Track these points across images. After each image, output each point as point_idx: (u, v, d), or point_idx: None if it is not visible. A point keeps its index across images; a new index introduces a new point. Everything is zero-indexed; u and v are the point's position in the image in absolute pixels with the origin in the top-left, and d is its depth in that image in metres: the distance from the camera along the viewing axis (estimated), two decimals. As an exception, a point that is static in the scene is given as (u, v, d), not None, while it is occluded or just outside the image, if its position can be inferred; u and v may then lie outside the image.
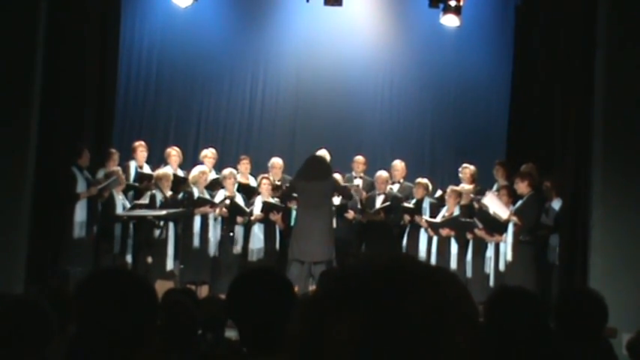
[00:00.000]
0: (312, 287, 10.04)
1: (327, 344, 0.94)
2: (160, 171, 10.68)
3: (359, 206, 10.96)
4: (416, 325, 0.93)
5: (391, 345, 0.93)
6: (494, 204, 9.92)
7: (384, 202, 10.86)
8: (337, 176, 10.85)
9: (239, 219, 10.49)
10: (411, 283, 0.97)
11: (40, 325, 2.85)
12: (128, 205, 10.27)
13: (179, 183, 10.60)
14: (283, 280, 2.77)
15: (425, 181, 11.01)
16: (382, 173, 11.24)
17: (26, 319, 2.85)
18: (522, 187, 9.80)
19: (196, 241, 10.27)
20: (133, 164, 11.01)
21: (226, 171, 10.74)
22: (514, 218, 9.67)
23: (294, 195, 10.39)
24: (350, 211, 10.69)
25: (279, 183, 11.16)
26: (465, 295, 0.99)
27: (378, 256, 1.02)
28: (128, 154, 11.23)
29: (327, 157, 11.03)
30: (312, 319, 0.97)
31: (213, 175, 11.02)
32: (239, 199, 10.62)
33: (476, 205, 10.31)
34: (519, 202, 9.81)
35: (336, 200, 10.61)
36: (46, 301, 3.04)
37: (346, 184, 10.90)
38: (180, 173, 10.92)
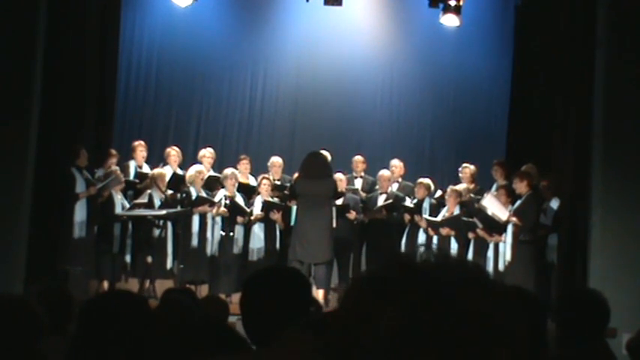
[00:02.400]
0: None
1: (379, 324, 0.95)
2: (156, 170, 10.67)
3: (360, 205, 10.95)
4: (474, 320, 0.94)
5: (444, 335, 0.93)
6: (494, 206, 9.92)
7: (386, 201, 10.85)
8: (340, 176, 10.84)
9: (239, 219, 10.48)
10: (474, 282, 0.98)
11: (28, 323, 2.85)
12: (127, 205, 10.27)
13: (179, 182, 10.59)
14: (303, 279, 2.76)
15: (427, 181, 11.00)
16: (385, 172, 11.22)
17: (13, 317, 2.84)
18: (521, 186, 9.80)
19: (195, 241, 10.26)
20: (132, 164, 11.01)
21: (228, 171, 10.72)
22: (514, 219, 9.67)
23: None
24: (352, 211, 10.68)
25: (278, 183, 11.14)
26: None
27: (450, 258, 1.04)
28: (128, 154, 11.23)
29: (329, 157, 10.99)
30: (368, 298, 0.98)
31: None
32: (239, 199, 10.61)
33: (476, 205, 10.31)
34: (518, 202, 9.81)
35: (338, 200, 10.60)
36: (35, 299, 3.05)
37: (341, 190, 10.80)
38: (180, 173, 10.91)
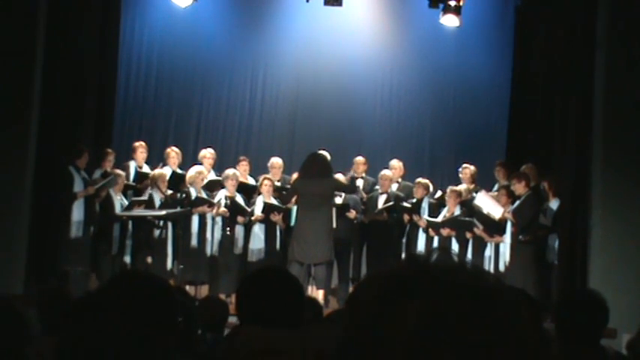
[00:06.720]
0: (311, 287, 10.05)
1: (392, 323, 0.95)
2: (157, 171, 10.67)
3: (362, 206, 10.94)
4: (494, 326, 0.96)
5: (457, 337, 0.94)
6: (486, 203, 9.95)
7: (386, 202, 10.84)
8: (339, 176, 10.84)
9: (240, 219, 10.48)
10: (493, 285, 1.00)
11: (14, 326, 2.82)
12: (126, 204, 10.26)
13: (179, 181, 10.59)
14: (293, 279, 2.78)
15: (425, 181, 11.01)
16: (386, 172, 11.21)
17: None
18: (520, 187, 9.82)
19: (194, 241, 10.26)
20: (132, 165, 11.00)
21: (229, 171, 10.71)
22: (508, 215, 9.70)
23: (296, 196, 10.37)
24: (352, 210, 10.67)
25: (279, 184, 11.13)
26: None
27: (466, 262, 1.05)
28: (128, 155, 11.22)
29: (328, 157, 11.00)
30: (382, 295, 0.98)
31: (212, 176, 11.00)
32: (239, 199, 10.60)
33: (473, 204, 10.31)
34: (517, 203, 9.82)
35: (338, 200, 10.60)
36: (33, 300, 3.03)
37: (347, 180, 10.83)
38: (180, 172, 10.90)
